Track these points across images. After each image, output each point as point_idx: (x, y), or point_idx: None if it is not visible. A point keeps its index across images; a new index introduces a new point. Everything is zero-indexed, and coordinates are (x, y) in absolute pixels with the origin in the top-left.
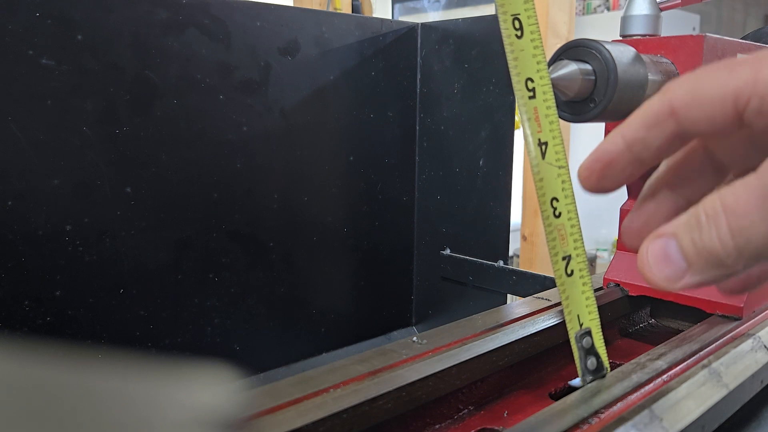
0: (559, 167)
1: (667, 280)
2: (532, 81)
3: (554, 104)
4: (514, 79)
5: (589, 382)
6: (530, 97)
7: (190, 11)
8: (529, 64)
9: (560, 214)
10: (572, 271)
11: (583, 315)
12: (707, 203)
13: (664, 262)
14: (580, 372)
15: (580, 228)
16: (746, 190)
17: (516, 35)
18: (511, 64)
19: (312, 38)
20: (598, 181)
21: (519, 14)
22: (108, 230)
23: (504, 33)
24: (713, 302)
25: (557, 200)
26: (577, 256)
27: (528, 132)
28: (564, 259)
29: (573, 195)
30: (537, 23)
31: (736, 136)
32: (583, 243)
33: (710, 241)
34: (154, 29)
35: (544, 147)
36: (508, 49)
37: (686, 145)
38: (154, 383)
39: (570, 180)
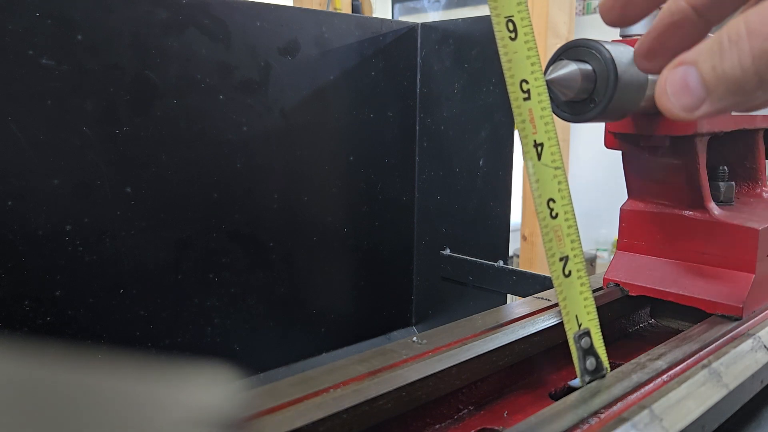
0: (555, 168)
1: (685, 109)
2: (526, 83)
3: (549, 105)
4: (508, 81)
5: (588, 383)
6: (525, 99)
7: (190, 11)
8: (523, 65)
9: (557, 215)
10: (570, 272)
11: (582, 315)
12: (731, 26)
13: (683, 91)
14: (578, 372)
15: (577, 229)
16: (759, 12)
17: (510, 37)
18: (504, 66)
19: (312, 38)
20: (622, 9)
21: (512, 16)
22: (108, 230)
23: (497, 35)
24: (713, 302)
25: (554, 201)
26: (575, 256)
27: (523, 134)
28: (561, 260)
29: (569, 196)
30: (531, 24)
31: None
32: (580, 244)
33: (731, 66)
34: (154, 29)
35: (539, 148)
36: (501, 51)
37: None
38: (154, 383)
39: (566, 181)
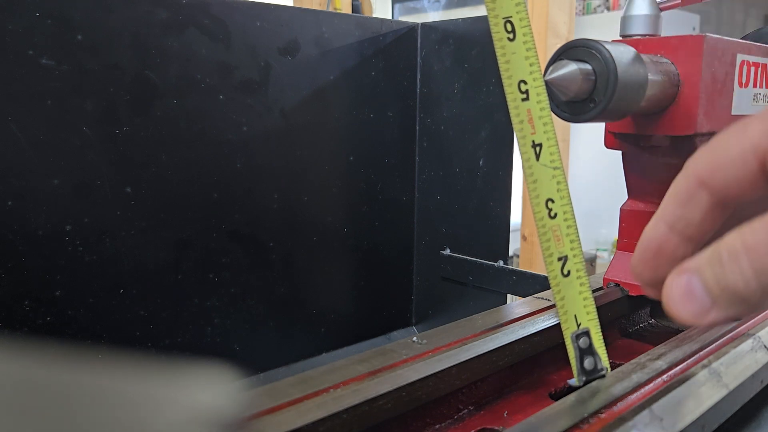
0: (554, 168)
1: (693, 316)
2: (525, 83)
3: (548, 106)
4: (506, 82)
5: (586, 382)
6: (523, 99)
7: (190, 11)
8: (521, 66)
9: (556, 215)
10: (569, 272)
11: (581, 315)
12: (728, 241)
13: (689, 299)
14: (575, 372)
15: (576, 229)
16: (755, 231)
17: (508, 38)
18: (502, 67)
19: (312, 38)
20: (654, 270)
21: (511, 17)
22: (108, 230)
23: (495, 36)
24: None
25: (552, 201)
26: (574, 256)
27: (521, 134)
28: (560, 259)
29: (569, 196)
30: (529, 25)
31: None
32: (579, 244)
33: (733, 279)
34: (154, 29)
35: (538, 149)
36: (499, 52)
37: (729, 211)
38: (154, 383)
39: (565, 181)
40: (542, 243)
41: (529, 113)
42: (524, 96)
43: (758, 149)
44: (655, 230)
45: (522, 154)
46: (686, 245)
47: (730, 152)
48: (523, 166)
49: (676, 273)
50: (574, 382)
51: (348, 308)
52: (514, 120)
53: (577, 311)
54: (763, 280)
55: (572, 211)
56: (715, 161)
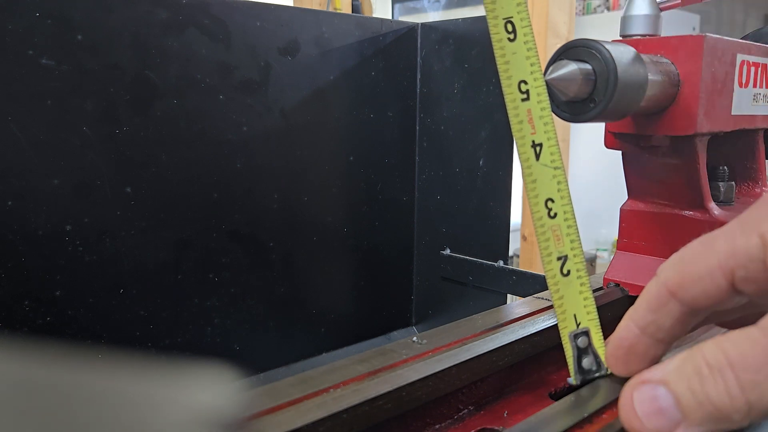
0: (555, 168)
1: (657, 431)
2: (525, 83)
3: (548, 105)
4: (505, 83)
5: (583, 381)
6: (523, 100)
7: (190, 11)
8: (522, 66)
9: (556, 214)
10: (569, 271)
11: (581, 315)
12: (708, 353)
13: (655, 413)
14: (572, 371)
15: (576, 228)
16: (753, 345)
17: (508, 38)
18: (501, 67)
19: (312, 38)
20: (626, 365)
21: (512, 17)
22: (108, 230)
23: (494, 37)
24: None
25: (552, 201)
26: (575, 256)
27: (520, 134)
28: (559, 259)
29: (569, 196)
30: (530, 25)
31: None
32: (580, 243)
33: (716, 394)
34: (154, 29)
35: (538, 148)
36: (498, 53)
37: (701, 318)
38: (154, 383)
39: (566, 181)
40: (540, 242)
41: (529, 113)
42: (524, 96)
43: (725, 268)
44: (627, 331)
45: (521, 154)
46: (657, 346)
47: (698, 268)
48: (522, 167)
49: (638, 382)
50: (570, 381)
51: (348, 308)
52: (513, 120)
53: (576, 311)
54: (752, 397)
55: (572, 210)
56: (684, 276)
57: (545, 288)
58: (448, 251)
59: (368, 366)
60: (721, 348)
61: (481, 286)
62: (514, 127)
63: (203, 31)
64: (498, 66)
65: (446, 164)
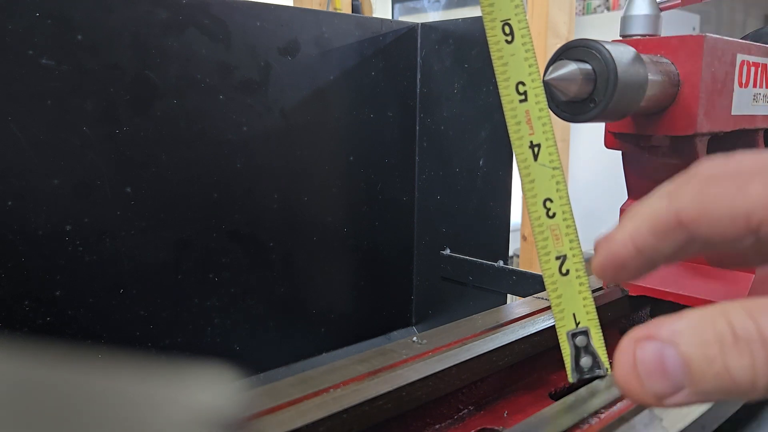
0: (553, 168)
1: (656, 396)
2: (523, 84)
3: (546, 106)
4: (502, 84)
5: (580, 380)
6: (521, 101)
7: (190, 11)
8: (520, 67)
9: (554, 214)
10: (567, 271)
11: (580, 315)
12: (737, 320)
13: (658, 375)
14: (569, 369)
15: (575, 228)
16: None
17: (506, 40)
18: (499, 69)
19: (312, 38)
20: (614, 278)
21: (509, 19)
22: (108, 230)
23: (491, 40)
24: (713, 302)
25: (551, 201)
26: (574, 256)
27: (518, 135)
28: (558, 258)
29: (567, 196)
30: (528, 27)
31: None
32: (579, 243)
33: (740, 368)
34: (154, 29)
35: (536, 149)
36: (496, 55)
37: (701, 250)
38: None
39: (564, 181)
40: (538, 242)
41: (528, 114)
42: (522, 97)
43: (751, 217)
44: (623, 248)
45: (518, 155)
46: (650, 265)
47: (721, 210)
48: (519, 167)
49: (643, 337)
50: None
51: (348, 308)
52: (510, 121)
53: (576, 310)
54: None
55: (571, 210)
56: (702, 211)
57: (545, 288)
58: (448, 251)
59: (368, 366)
60: (754, 318)
61: (481, 286)
62: (512, 128)
63: (203, 31)
64: (495, 68)
65: (446, 164)
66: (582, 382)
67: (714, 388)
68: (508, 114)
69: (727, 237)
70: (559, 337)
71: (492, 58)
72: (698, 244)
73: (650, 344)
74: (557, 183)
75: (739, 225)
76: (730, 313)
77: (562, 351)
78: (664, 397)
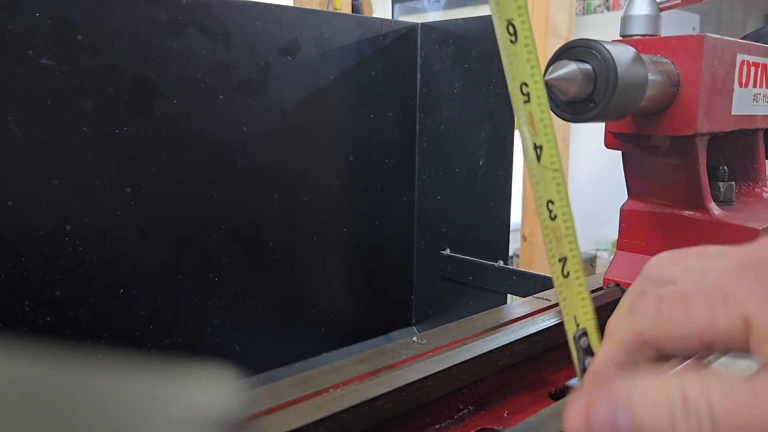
0: (554, 170)
1: None
2: (526, 86)
3: (548, 108)
4: (510, 84)
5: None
6: (525, 102)
7: (190, 11)
8: (523, 68)
9: (555, 216)
10: (568, 273)
11: (579, 315)
12: (690, 390)
13: (608, 428)
14: (578, 372)
15: (574, 230)
16: (737, 401)
17: (510, 40)
18: (506, 68)
19: (312, 38)
20: None
21: (513, 19)
22: (108, 230)
23: (499, 38)
24: None
25: (552, 203)
26: (573, 257)
27: (524, 136)
28: (560, 260)
29: (567, 198)
30: (530, 28)
31: None
32: (577, 245)
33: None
34: (154, 29)
35: (539, 150)
36: (503, 54)
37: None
38: (154, 383)
39: (564, 183)
40: (546, 244)
41: (531, 115)
42: (526, 98)
43: (704, 339)
44: (605, 368)
45: (525, 155)
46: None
47: (675, 331)
48: (527, 168)
49: (599, 391)
50: (574, 382)
51: (348, 308)
52: (518, 122)
53: (576, 312)
54: None
55: (570, 212)
56: (660, 333)
57: (545, 288)
58: (448, 251)
59: (368, 366)
60: (705, 391)
61: (481, 286)
62: (520, 128)
63: (203, 31)
64: (504, 67)
65: (446, 164)
66: None
67: None
68: (516, 114)
69: (687, 352)
70: (568, 341)
71: (501, 56)
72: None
73: (604, 403)
74: (557, 185)
75: (695, 343)
76: (684, 381)
77: (572, 355)
78: None
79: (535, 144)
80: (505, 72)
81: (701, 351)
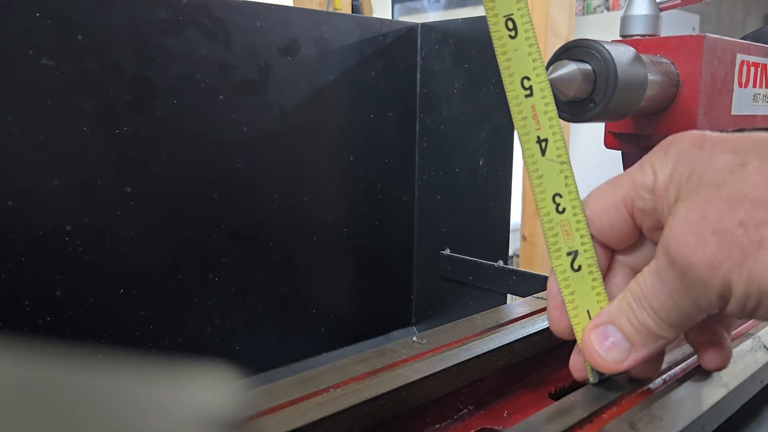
0: (561, 163)
1: (616, 362)
2: (528, 79)
3: (553, 101)
4: (507, 80)
5: (600, 379)
6: (527, 96)
7: (190, 11)
8: (524, 62)
9: (564, 209)
10: (580, 267)
11: (595, 311)
12: (632, 289)
13: (611, 347)
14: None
15: (586, 223)
16: (651, 277)
17: (509, 35)
18: (503, 65)
19: (312, 38)
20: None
21: (512, 14)
22: (108, 230)
23: (495, 35)
24: None
25: (560, 196)
26: (585, 251)
27: (525, 131)
28: (569, 254)
29: (577, 191)
30: (531, 21)
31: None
32: (590, 238)
33: (644, 318)
34: (154, 29)
35: (543, 144)
36: (499, 50)
37: (612, 259)
38: (154, 383)
39: (573, 176)
40: (548, 238)
41: (534, 109)
42: (528, 92)
43: (627, 199)
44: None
45: (525, 150)
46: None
47: (605, 202)
48: (526, 163)
49: (592, 327)
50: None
51: (348, 308)
52: (516, 117)
53: (590, 306)
54: (662, 316)
55: (581, 205)
56: (593, 209)
57: (545, 288)
58: (448, 251)
59: (368, 366)
60: (638, 282)
61: (481, 286)
62: (518, 123)
63: (203, 31)
64: (499, 64)
65: (446, 164)
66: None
67: (645, 340)
68: (513, 110)
69: (618, 230)
70: (575, 336)
71: (496, 53)
72: (606, 250)
73: (598, 330)
74: (566, 177)
75: (621, 211)
76: (630, 286)
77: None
78: (621, 361)
79: (538, 137)
80: (502, 69)
81: (630, 226)
